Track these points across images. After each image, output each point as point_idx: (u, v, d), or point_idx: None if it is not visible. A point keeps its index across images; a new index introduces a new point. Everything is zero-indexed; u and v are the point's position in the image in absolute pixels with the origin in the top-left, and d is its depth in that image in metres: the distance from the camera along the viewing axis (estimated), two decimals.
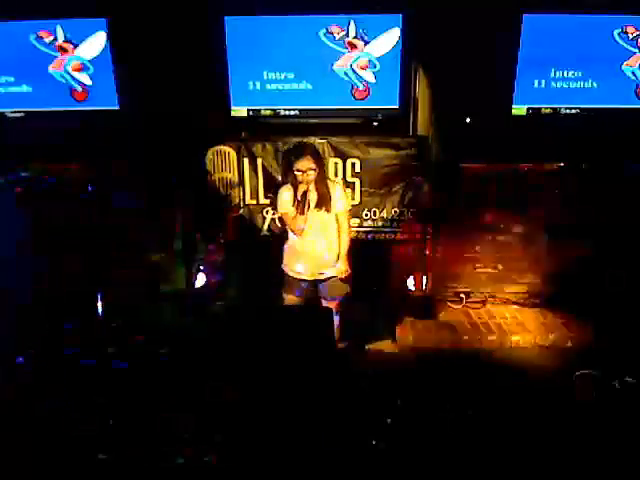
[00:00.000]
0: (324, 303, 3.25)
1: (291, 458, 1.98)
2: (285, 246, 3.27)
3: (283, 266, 3.26)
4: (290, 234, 3.21)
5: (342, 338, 3.45)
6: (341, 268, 3.19)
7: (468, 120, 3.92)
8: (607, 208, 3.89)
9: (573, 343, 3.74)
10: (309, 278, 3.19)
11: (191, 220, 4.08)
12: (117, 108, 3.90)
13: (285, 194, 3.14)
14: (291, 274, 3.20)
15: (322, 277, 3.19)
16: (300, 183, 3.01)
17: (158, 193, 4.01)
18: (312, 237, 3.13)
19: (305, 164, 2.99)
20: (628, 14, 3.65)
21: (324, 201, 3.09)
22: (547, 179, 4.02)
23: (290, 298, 3.25)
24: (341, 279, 3.21)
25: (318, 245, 3.14)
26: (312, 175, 3.01)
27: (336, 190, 3.18)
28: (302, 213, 3.04)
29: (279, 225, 3.95)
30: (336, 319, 3.25)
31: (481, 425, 2.66)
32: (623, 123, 3.83)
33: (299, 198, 3.03)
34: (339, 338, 3.38)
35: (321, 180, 3.09)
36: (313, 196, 3.07)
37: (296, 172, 3.01)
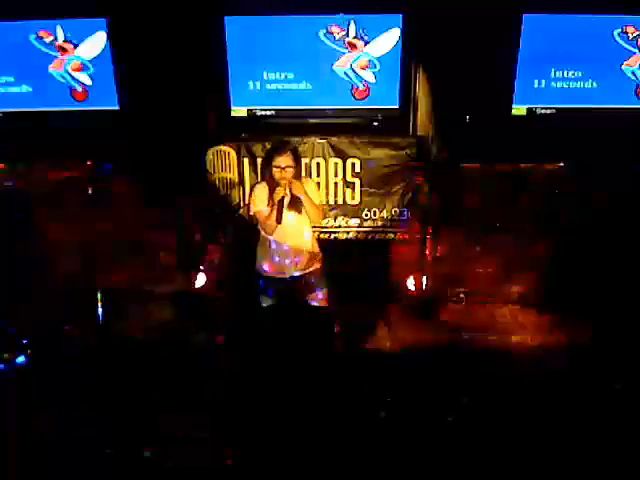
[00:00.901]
0: (310, 301, 3.23)
1: (291, 457, 1.98)
2: (258, 246, 3.25)
3: (258, 267, 3.24)
4: (262, 233, 3.20)
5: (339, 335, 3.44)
6: (316, 254, 3.22)
7: (468, 120, 3.91)
8: (607, 208, 3.89)
9: (573, 343, 3.74)
10: (284, 276, 3.18)
11: (191, 220, 4.08)
12: (117, 108, 3.90)
13: (260, 192, 3.11)
14: (267, 274, 3.20)
15: (298, 274, 3.18)
16: (277, 185, 3.00)
17: (158, 193, 4.01)
18: (286, 236, 3.12)
19: (284, 161, 2.99)
20: (628, 14, 3.66)
21: (297, 201, 3.08)
22: (547, 179, 4.02)
23: (265, 299, 3.25)
24: (315, 272, 3.21)
25: (294, 243, 3.14)
26: (289, 173, 3.01)
27: (309, 187, 3.15)
28: (279, 221, 3.03)
29: None
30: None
31: (481, 425, 2.66)
32: (623, 123, 3.83)
33: (275, 203, 3.01)
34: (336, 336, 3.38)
35: (295, 180, 3.06)
36: (287, 196, 3.05)
37: (274, 168, 3.01)
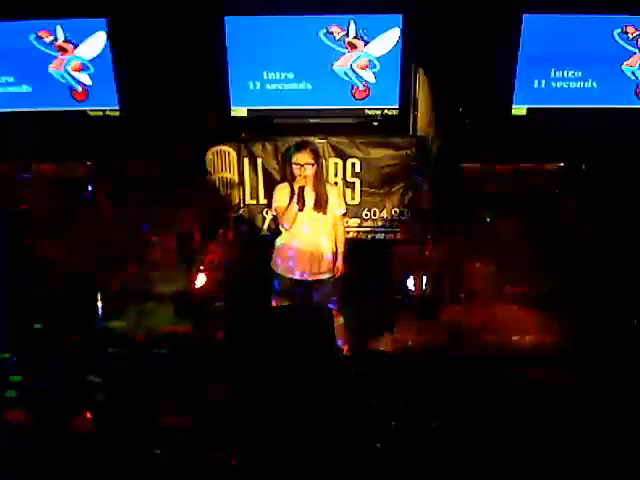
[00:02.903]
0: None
1: (291, 458, 1.98)
2: (276, 245, 3.27)
3: (272, 265, 3.25)
4: (283, 233, 3.21)
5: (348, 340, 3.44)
6: (340, 267, 3.22)
7: (468, 120, 3.91)
8: (607, 208, 3.89)
9: (573, 343, 3.74)
10: (298, 278, 3.19)
11: (191, 220, 4.08)
12: (117, 108, 3.90)
13: (281, 189, 3.18)
14: (281, 273, 3.21)
15: (311, 279, 3.19)
16: (298, 176, 3.03)
17: (158, 193, 4.01)
18: (306, 237, 3.14)
19: (303, 158, 3.02)
20: (628, 14, 3.66)
21: (321, 202, 3.11)
22: (547, 179, 4.02)
23: (277, 299, 3.26)
24: (334, 282, 3.22)
25: (311, 245, 3.14)
26: (309, 171, 3.03)
27: (333, 193, 3.19)
28: (301, 209, 3.05)
29: None
30: (340, 320, 3.26)
31: (481, 425, 2.66)
32: (623, 123, 3.83)
33: (296, 191, 3.03)
34: (347, 340, 3.39)
35: (319, 181, 3.12)
36: (310, 196, 3.09)
37: (293, 165, 3.04)
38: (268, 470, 1.98)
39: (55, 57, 3.84)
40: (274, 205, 3.22)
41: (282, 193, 3.14)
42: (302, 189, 3.03)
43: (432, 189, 3.91)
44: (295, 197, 3.04)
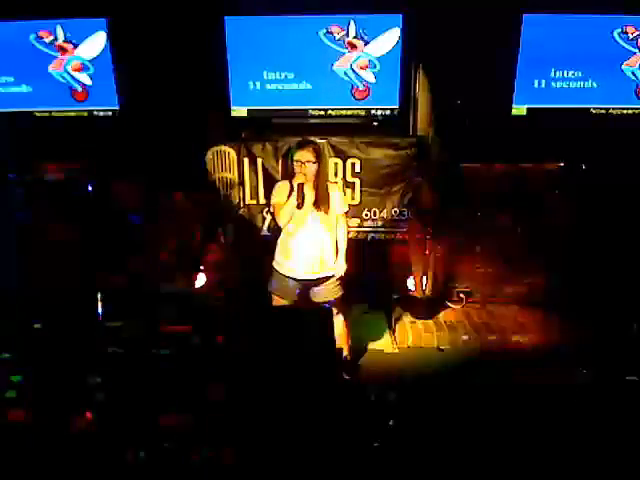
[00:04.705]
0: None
1: (290, 459, 1.98)
2: (277, 244, 3.26)
3: (274, 263, 3.25)
4: (284, 232, 3.20)
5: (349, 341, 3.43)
6: (342, 266, 3.21)
7: (468, 120, 3.91)
8: (607, 208, 3.89)
9: (573, 343, 3.74)
10: (299, 277, 3.18)
11: (191, 220, 4.08)
12: (117, 108, 3.90)
13: (281, 185, 3.17)
14: (282, 272, 3.20)
15: (313, 278, 3.18)
16: (298, 173, 3.02)
17: (158, 193, 4.01)
18: (307, 236, 3.13)
19: (305, 155, 3.01)
20: (628, 14, 3.66)
21: (322, 201, 3.10)
22: (547, 179, 4.02)
23: (277, 299, 3.25)
24: (335, 282, 3.21)
25: (312, 244, 3.13)
26: (310, 168, 3.01)
27: (335, 192, 3.18)
28: (299, 206, 3.03)
29: None
30: (340, 320, 3.25)
31: (481, 425, 2.66)
32: (623, 123, 3.83)
33: (295, 188, 3.02)
34: (347, 340, 3.38)
35: (321, 180, 3.11)
36: (310, 194, 3.07)
37: (295, 162, 3.02)
38: (267, 470, 1.98)
39: (55, 57, 3.84)
40: (272, 201, 3.20)
41: (281, 190, 3.13)
42: (301, 186, 3.01)
43: (432, 189, 3.92)
44: (294, 193, 3.02)
